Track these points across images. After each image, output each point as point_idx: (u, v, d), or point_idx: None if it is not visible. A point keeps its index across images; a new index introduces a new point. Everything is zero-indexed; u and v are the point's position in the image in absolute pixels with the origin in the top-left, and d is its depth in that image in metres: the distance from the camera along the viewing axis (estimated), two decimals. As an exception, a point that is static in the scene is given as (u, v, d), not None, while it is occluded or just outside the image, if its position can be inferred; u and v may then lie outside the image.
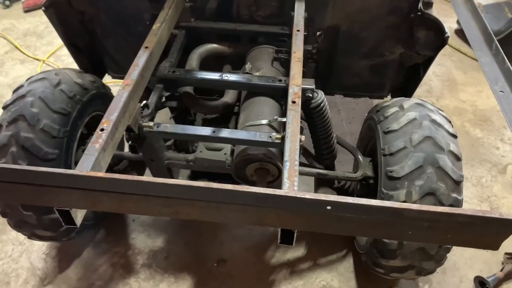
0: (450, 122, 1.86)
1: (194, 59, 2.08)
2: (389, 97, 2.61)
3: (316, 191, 2.26)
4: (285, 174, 1.21)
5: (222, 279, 2.28)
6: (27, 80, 2.03)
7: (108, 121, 1.36)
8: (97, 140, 1.29)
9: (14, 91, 1.98)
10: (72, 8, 2.25)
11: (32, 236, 2.08)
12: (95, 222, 2.35)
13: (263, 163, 1.67)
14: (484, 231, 1.00)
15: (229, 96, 2.01)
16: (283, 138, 1.53)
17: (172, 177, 2.03)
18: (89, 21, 2.37)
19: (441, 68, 3.81)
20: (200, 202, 1.06)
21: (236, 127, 1.95)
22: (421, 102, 1.93)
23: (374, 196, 1.94)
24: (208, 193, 1.03)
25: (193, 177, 2.13)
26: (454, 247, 2.42)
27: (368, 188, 2.07)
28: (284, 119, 1.55)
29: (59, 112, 1.90)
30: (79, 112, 2.01)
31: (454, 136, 1.79)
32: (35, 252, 2.39)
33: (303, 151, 2.07)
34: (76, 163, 2.05)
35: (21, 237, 2.42)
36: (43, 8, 2.09)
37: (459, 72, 3.79)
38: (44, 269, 2.32)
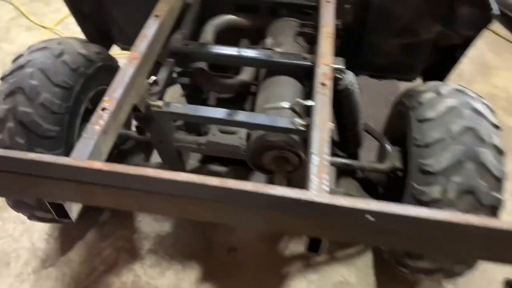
0: (492, 111, 1.66)
1: (209, 31, 1.89)
2: (418, 81, 2.40)
3: (337, 181, 2.09)
4: (312, 169, 1.04)
5: (232, 269, 2.15)
6: (28, 48, 1.86)
7: (110, 100, 1.19)
8: (97, 122, 1.13)
9: (14, 61, 1.81)
10: (78, -30, 2.06)
11: (31, 217, 1.95)
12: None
13: (283, 151, 1.50)
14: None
15: (246, 74, 1.82)
16: (308, 125, 1.35)
17: (182, 161, 1.87)
18: (96, -15, 2.18)
19: (473, 51, 3.52)
20: (214, 203, 0.90)
21: (252, 109, 1.78)
22: (460, 88, 1.72)
23: (401, 190, 1.76)
24: (225, 194, 0.86)
25: (204, 160, 1.97)
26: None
27: (396, 180, 1.90)
28: (308, 103, 1.37)
29: (60, 85, 1.74)
30: (82, 86, 1.84)
31: (498, 128, 1.60)
32: (37, 232, 2.28)
33: None
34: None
35: (23, 215, 2.30)
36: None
37: (493, 55, 3.51)
38: (46, 251, 2.21)
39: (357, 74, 2.44)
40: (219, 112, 1.44)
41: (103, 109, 1.16)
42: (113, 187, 0.88)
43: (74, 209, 1.02)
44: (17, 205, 1.85)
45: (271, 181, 1.82)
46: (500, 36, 3.68)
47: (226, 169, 1.84)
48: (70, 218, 1.02)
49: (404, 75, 2.34)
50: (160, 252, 2.21)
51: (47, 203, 0.97)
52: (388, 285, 2.11)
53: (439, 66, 2.26)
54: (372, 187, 2.08)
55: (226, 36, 1.98)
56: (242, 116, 1.43)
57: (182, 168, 1.87)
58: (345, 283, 2.11)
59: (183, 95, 2.06)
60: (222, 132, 1.73)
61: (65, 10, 3.85)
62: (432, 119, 1.61)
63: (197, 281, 2.11)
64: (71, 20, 3.78)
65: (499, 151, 1.55)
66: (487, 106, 1.66)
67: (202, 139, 1.72)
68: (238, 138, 1.70)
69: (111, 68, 2.13)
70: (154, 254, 2.21)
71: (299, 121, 1.37)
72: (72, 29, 3.63)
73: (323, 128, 1.13)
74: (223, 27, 1.95)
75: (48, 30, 3.64)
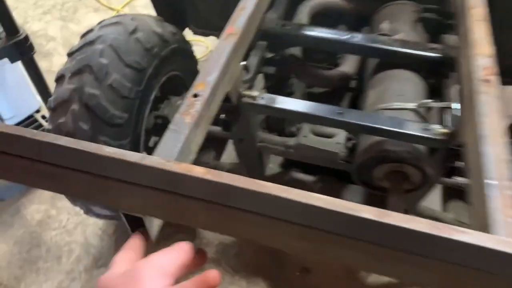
0: None
1: (304, 13, 1.59)
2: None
3: (444, 204, 1.72)
4: (492, 202, 0.71)
5: (304, 293, 1.85)
6: (98, 23, 1.65)
7: (204, 84, 0.91)
8: (189, 111, 0.86)
9: (83, 36, 1.60)
10: None
11: (88, 212, 1.74)
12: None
13: (404, 165, 1.17)
14: None
15: (349, 65, 1.51)
16: (450, 134, 1.02)
17: (261, 163, 1.59)
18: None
19: None
20: (364, 243, 0.60)
21: (355, 108, 1.46)
22: None
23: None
24: (390, 233, 0.56)
25: (285, 165, 1.68)
26: None
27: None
28: (453, 106, 1.04)
29: (132, 66, 1.51)
30: (155, 68, 1.60)
31: None
32: (91, 226, 2.09)
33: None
34: (147, 132, 1.67)
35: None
36: None
37: None
38: (99, 248, 2.01)
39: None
40: (328, 110, 1.14)
41: (195, 95, 0.89)
42: (222, 206, 0.60)
43: (155, 226, 0.76)
44: (74, 198, 1.65)
45: (369, 201, 1.50)
46: None
47: (313, 178, 1.53)
48: (149, 237, 0.76)
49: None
50: (222, 263, 1.95)
51: (122, 215, 0.71)
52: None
53: None
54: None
55: (320, 20, 1.67)
56: (357, 116, 1.12)
57: (260, 172, 1.59)
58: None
59: (265, 87, 1.77)
60: (316, 134, 1.43)
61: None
62: None
63: (263, 303, 1.83)
64: (139, 3, 3.65)
65: None
66: None
67: (291, 141, 1.43)
68: (335, 143, 1.39)
69: (186, 52, 1.89)
70: (215, 264, 1.95)
71: (437, 128, 1.04)
72: (140, 12, 3.48)
73: (496, 143, 0.80)
74: (320, 10, 1.64)
75: (115, 12, 3.50)
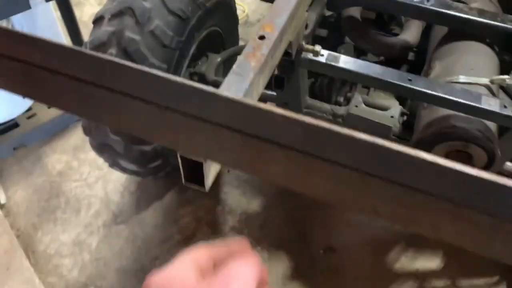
0: None
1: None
2: None
3: None
4: None
5: (327, 272, 1.77)
6: (141, -34, 1.54)
7: (272, 26, 0.81)
8: (255, 53, 0.76)
9: (124, -23, 1.51)
10: None
11: (114, 165, 1.68)
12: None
13: (470, 145, 1.06)
14: None
15: (411, 34, 1.38)
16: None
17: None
18: None
19: None
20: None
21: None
22: None
23: None
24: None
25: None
26: None
27: None
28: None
29: (176, 13, 1.40)
30: (199, 20, 1.50)
31: None
32: (113, 182, 2.03)
33: None
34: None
35: (100, 160, 2.07)
36: None
37: None
38: (120, 205, 1.96)
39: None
40: (395, 75, 1.03)
41: (262, 37, 0.78)
42: (311, 156, 0.50)
43: (211, 173, 0.67)
44: (101, 149, 1.58)
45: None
46: None
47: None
48: (203, 185, 0.68)
49: None
50: (245, 233, 1.88)
51: (179, 158, 0.63)
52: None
53: None
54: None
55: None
56: (424, 84, 1.01)
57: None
58: (469, 322, 1.67)
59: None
60: (368, 105, 1.32)
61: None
62: None
63: (284, 278, 1.76)
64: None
65: None
66: None
67: (341, 110, 1.33)
68: (389, 117, 1.28)
69: (229, 8, 1.78)
70: (238, 233, 1.88)
71: (522, 104, 0.93)
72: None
73: None
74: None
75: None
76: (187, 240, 1.85)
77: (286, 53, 1.03)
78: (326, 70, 1.14)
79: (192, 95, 0.52)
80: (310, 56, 1.05)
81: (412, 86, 1.00)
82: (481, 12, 1.18)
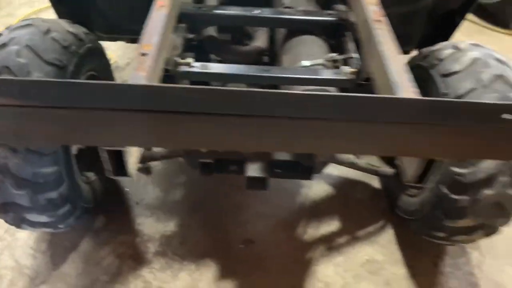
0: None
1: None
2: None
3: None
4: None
5: (253, 262, 1.96)
6: (6, 28, 1.61)
7: (150, 45, 1.01)
8: (142, 66, 0.95)
9: (-10, 41, 1.56)
10: None
11: (22, 223, 1.66)
12: (94, 206, 1.95)
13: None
14: None
15: (261, 40, 1.70)
16: (357, 72, 1.25)
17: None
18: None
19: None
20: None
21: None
22: (476, 43, 1.72)
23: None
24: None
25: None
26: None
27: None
28: (353, 55, 1.27)
29: (53, 64, 1.51)
30: (76, 66, 1.62)
31: None
32: (20, 248, 1.96)
33: None
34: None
35: (0, 231, 1.99)
36: None
37: (465, 37, 3.66)
38: (34, 267, 1.90)
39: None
40: (255, 69, 1.30)
41: (144, 54, 0.98)
42: (206, 115, 0.71)
43: (129, 165, 0.83)
44: (5, 208, 1.57)
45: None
46: (469, 20, 3.89)
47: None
48: (127, 175, 0.83)
49: (402, 46, 2.32)
50: (169, 254, 1.98)
51: (106, 153, 0.78)
52: (415, 259, 2.02)
53: (434, 36, 2.27)
54: (391, 159, 2.01)
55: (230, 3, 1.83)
56: (279, 71, 1.31)
57: (200, 150, 1.69)
58: (373, 262, 2.00)
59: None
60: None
61: (18, 14, 3.56)
62: (459, 71, 1.58)
63: (216, 280, 1.90)
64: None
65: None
66: (506, 56, 1.66)
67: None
68: None
69: (101, 52, 1.93)
70: (162, 256, 1.97)
71: (346, 68, 1.26)
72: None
73: (395, 58, 1.03)
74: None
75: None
76: (114, 277, 1.88)
77: (167, 70, 1.24)
78: (201, 77, 1.36)
79: (102, 91, 0.70)
80: (186, 68, 1.27)
81: (269, 74, 1.28)
82: (305, 12, 1.54)
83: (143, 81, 0.91)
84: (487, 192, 1.51)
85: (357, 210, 2.21)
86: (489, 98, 1.48)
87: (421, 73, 1.77)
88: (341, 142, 0.79)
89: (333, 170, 2.34)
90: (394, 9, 2.12)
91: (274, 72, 1.30)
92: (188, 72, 1.27)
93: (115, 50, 3.00)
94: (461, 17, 2.10)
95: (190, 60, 1.27)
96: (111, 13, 2.11)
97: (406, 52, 2.38)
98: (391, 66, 1.01)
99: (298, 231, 2.10)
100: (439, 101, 0.75)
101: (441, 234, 1.75)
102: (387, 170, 1.97)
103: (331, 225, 2.14)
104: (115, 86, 0.68)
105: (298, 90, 1.36)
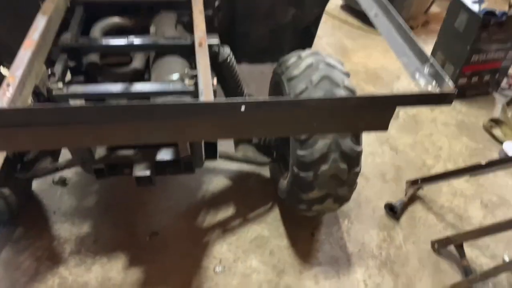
0: (342, 64, 2.09)
1: (96, 32, 2.07)
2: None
3: (236, 147, 2.37)
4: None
5: (156, 250, 2.29)
6: None
7: (13, 77, 1.32)
8: (5, 94, 1.26)
9: None
10: None
11: None
12: (10, 217, 2.20)
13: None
14: (374, 112, 1.18)
15: (138, 61, 2.03)
16: (196, 84, 1.61)
17: (91, 151, 1.99)
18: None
19: (333, 38, 4.19)
20: (120, 123, 1.10)
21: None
22: (315, 51, 2.14)
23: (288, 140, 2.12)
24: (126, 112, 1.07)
25: (112, 148, 2.11)
26: (364, 184, 2.70)
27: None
28: (195, 72, 1.63)
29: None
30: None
31: (347, 75, 2.02)
32: None
33: None
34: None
35: None
36: None
37: (349, 40, 4.19)
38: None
39: (239, 62, 2.81)
40: (117, 87, 1.64)
41: (8, 85, 1.29)
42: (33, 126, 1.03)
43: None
44: None
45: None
46: (353, 25, 4.40)
47: (134, 151, 1.99)
48: None
49: (277, 58, 2.75)
50: (83, 252, 2.27)
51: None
52: (295, 231, 2.42)
53: (300, 45, 2.71)
54: (266, 148, 2.40)
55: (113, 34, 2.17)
56: (138, 87, 1.65)
57: (92, 158, 1.98)
58: (260, 237, 2.38)
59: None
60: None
61: None
62: (297, 75, 1.99)
63: (124, 268, 2.20)
64: None
65: (351, 91, 1.96)
66: (337, 60, 2.09)
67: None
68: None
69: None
70: (77, 254, 2.25)
71: (188, 81, 1.62)
72: None
73: (205, 71, 1.41)
74: (109, 29, 2.14)
75: None
76: (33, 277, 2.14)
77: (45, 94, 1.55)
78: (74, 97, 1.67)
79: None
80: (59, 92, 1.58)
81: (128, 91, 1.62)
82: (166, 38, 1.89)
83: (5, 105, 1.23)
84: (324, 167, 1.92)
85: (250, 197, 2.59)
86: (317, 95, 1.90)
87: (277, 78, 2.19)
88: (174, 133, 1.15)
89: (231, 165, 2.72)
90: (263, 26, 2.56)
91: (132, 89, 1.63)
92: (61, 95, 1.58)
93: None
94: (316, 28, 2.54)
95: (60, 84, 1.58)
96: (14, 46, 2.38)
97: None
98: (201, 78, 1.38)
99: (198, 220, 2.45)
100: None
101: (303, 206, 2.14)
102: (263, 159, 2.37)
103: (227, 212, 2.50)
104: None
105: (160, 100, 1.71)
